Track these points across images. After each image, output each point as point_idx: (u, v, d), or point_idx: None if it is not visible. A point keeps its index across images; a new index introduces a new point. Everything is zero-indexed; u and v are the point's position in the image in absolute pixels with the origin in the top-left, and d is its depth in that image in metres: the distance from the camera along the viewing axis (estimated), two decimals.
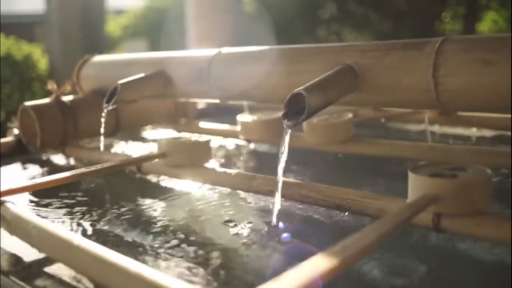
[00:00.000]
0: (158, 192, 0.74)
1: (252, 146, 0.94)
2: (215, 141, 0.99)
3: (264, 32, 5.30)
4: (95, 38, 5.65)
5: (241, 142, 0.94)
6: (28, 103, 0.90)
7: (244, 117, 0.91)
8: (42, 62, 5.44)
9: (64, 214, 0.65)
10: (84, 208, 0.66)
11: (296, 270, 0.35)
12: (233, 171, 0.68)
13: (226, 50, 0.78)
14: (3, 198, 0.56)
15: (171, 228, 0.59)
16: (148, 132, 1.12)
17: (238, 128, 0.92)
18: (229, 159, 0.91)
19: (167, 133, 1.04)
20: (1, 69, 4.95)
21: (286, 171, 0.58)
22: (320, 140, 0.82)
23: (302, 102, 0.57)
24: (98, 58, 1.01)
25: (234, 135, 0.95)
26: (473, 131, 0.97)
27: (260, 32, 5.45)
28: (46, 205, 0.68)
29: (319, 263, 0.36)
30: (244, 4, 5.58)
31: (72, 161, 0.92)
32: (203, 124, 1.06)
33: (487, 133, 0.96)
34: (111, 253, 0.42)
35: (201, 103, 1.24)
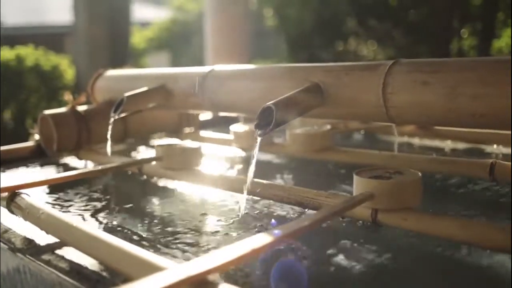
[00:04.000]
0: (155, 189, 0.85)
1: (243, 153, 1.04)
2: (215, 149, 1.10)
3: (284, 46, 5.43)
4: (120, 50, 5.83)
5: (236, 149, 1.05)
6: (47, 112, 1.02)
7: (237, 127, 1.02)
8: (69, 73, 5.62)
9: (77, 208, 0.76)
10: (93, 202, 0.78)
11: (236, 245, 0.45)
12: (217, 173, 0.79)
13: (218, 67, 0.89)
14: (19, 190, 0.67)
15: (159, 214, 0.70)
16: (156, 140, 1.23)
17: (231, 137, 1.03)
18: (222, 163, 1.02)
19: (171, 141, 1.14)
20: (30, 79, 5.15)
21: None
22: (300, 148, 0.92)
23: (272, 115, 0.67)
24: (110, 72, 1.13)
25: (229, 143, 1.05)
26: (448, 144, 1.06)
27: (279, 46, 5.58)
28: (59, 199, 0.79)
29: (257, 240, 0.46)
30: (265, 18, 5.72)
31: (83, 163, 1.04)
32: (203, 133, 1.17)
33: (461, 145, 1.04)
34: (101, 232, 0.53)
35: (207, 115, 1.35)
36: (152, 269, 0.44)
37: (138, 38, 7.48)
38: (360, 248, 0.59)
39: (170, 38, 7.62)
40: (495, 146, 1.00)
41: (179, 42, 7.17)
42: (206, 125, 1.33)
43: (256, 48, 5.89)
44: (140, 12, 8.15)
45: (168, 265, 0.44)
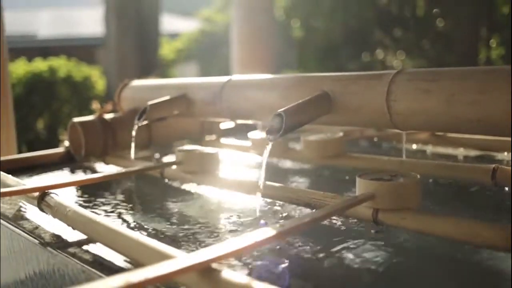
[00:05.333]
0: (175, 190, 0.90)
1: (260, 158, 1.09)
2: (233, 154, 1.15)
3: (311, 57, 5.48)
4: (150, 61, 5.95)
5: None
6: (75, 119, 1.09)
7: (254, 135, 1.07)
8: (100, 83, 5.75)
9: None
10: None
11: (239, 238, 0.49)
12: (232, 177, 0.83)
13: (235, 77, 0.94)
14: (49, 190, 0.73)
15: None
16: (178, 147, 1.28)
17: (249, 144, 1.08)
18: (239, 168, 1.07)
19: (191, 147, 1.20)
20: (62, 90, 5.30)
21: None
22: (315, 154, 0.96)
23: (282, 121, 0.71)
24: (135, 82, 1.19)
25: (247, 150, 1.10)
26: (461, 151, 1.09)
27: (306, 57, 5.63)
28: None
29: (259, 234, 0.50)
30: (293, 29, 5.78)
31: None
32: (224, 140, 1.22)
33: (473, 153, 1.07)
34: (121, 226, 0.58)
35: (230, 123, 1.40)
36: (165, 258, 0.49)
37: (167, 49, 7.61)
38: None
39: (198, 49, 7.74)
40: (505, 153, 1.02)
41: (207, 52, 7.29)
42: (229, 132, 1.38)
43: (284, 58, 5.98)
44: (169, 24, 8.31)
45: (179, 254, 0.49)
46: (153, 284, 0.46)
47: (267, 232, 0.51)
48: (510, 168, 0.75)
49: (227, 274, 0.44)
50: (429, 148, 1.13)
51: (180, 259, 0.45)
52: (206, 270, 0.45)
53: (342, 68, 4.85)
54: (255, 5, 3.40)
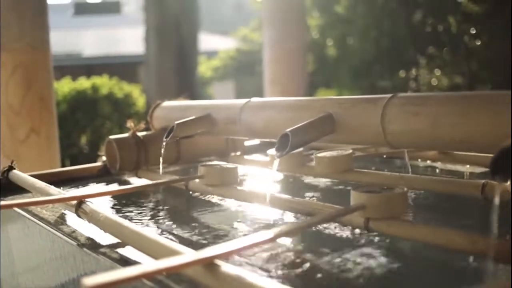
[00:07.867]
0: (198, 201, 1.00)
1: (279, 174, 1.18)
2: (254, 170, 1.24)
3: (344, 75, 5.55)
4: (188, 79, 6.12)
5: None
6: (111, 137, 1.20)
7: (273, 151, 1.16)
8: (140, 101, 5.94)
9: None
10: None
11: (239, 239, 0.58)
12: (247, 189, 0.93)
13: (254, 99, 1.04)
14: (85, 199, 0.84)
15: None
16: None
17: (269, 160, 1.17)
18: (258, 181, 1.16)
19: (214, 163, 1.30)
20: (104, 107, 5.52)
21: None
22: (326, 170, 1.04)
23: (288, 140, 0.81)
24: (166, 103, 1.30)
25: (267, 165, 1.19)
26: (467, 167, 1.15)
27: (340, 75, 5.70)
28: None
29: (257, 236, 0.59)
30: (327, 47, 5.86)
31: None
32: (247, 157, 1.32)
33: (478, 169, 1.14)
34: (144, 229, 0.68)
35: (255, 140, 1.50)
36: (177, 255, 0.59)
37: (204, 67, 7.79)
38: None
39: (235, 67, 7.91)
40: None
41: (244, 71, 7.44)
42: (256, 149, 1.48)
43: (319, 76, 6.08)
44: (206, 42, 8.52)
45: (188, 251, 0.58)
46: (164, 274, 0.56)
47: (265, 234, 0.59)
48: (497, 183, 0.81)
49: (227, 268, 0.53)
50: (438, 165, 1.20)
51: (187, 255, 0.54)
52: (209, 265, 0.54)
53: (375, 86, 4.91)
54: (286, 27, 3.50)
